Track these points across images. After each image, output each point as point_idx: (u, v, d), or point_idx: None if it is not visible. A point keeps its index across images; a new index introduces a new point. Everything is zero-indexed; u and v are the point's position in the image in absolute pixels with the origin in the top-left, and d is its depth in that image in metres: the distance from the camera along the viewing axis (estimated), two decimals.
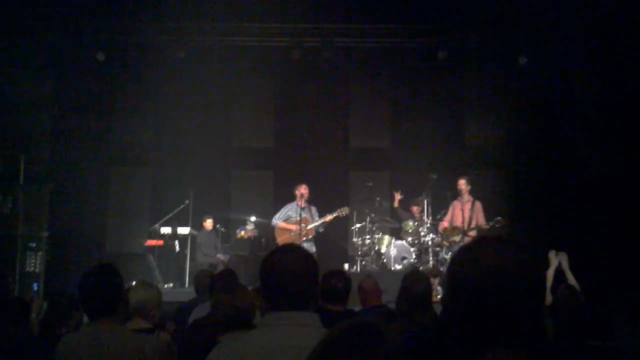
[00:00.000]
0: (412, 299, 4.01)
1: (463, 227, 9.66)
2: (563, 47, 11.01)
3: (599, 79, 11.00)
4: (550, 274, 5.40)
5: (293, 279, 2.21)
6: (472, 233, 9.48)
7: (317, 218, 9.97)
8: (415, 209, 10.81)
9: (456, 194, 10.03)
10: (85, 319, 3.78)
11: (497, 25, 10.96)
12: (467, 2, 10.49)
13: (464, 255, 1.58)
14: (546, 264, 5.54)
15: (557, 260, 5.62)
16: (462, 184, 9.89)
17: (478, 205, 9.84)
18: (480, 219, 9.74)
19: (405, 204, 10.90)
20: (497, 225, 9.38)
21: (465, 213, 9.74)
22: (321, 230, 10.05)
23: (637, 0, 9.49)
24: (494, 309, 1.46)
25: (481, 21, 10.87)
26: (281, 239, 9.92)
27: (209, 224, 11.20)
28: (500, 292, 1.46)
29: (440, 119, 11.88)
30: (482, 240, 1.62)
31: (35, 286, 9.61)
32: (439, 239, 10.11)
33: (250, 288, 4.05)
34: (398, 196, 10.82)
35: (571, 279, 5.49)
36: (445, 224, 10.06)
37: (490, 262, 1.50)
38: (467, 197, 9.89)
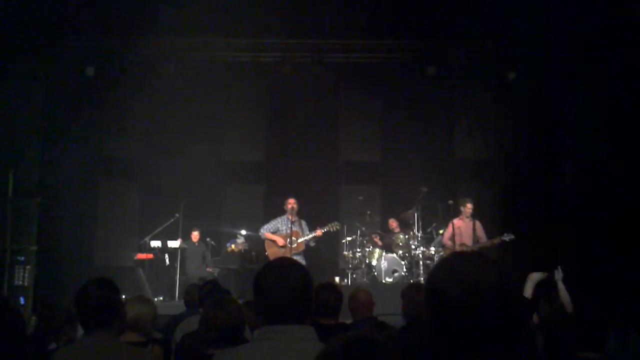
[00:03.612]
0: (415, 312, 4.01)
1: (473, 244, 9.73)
2: (550, 62, 11.12)
3: (586, 92, 11.09)
4: (528, 291, 5.35)
5: (289, 293, 2.21)
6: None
7: (307, 232, 9.97)
8: (392, 222, 10.86)
9: (455, 212, 10.08)
10: (79, 333, 3.77)
11: (485, 40, 11.06)
12: (456, 18, 10.58)
13: (444, 270, 1.61)
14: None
15: (539, 277, 5.50)
16: (470, 207, 9.95)
17: (478, 224, 9.97)
18: (482, 235, 9.87)
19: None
20: (507, 240, 9.37)
21: (477, 232, 9.84)
22: (312, 244, 10.04)
23: (624, 17, 9.60)
24: (475, 320, 1.51)
25: (469, 36, 10.95)
26: (271, 251, 9.90)
27: (195, 236, 11.21)
28: (482, 305, 1.51)
29: (429, 133, 11.94)
30: (461, 255, 1.67)
31: (22, 300, 9.52)
32: (431, 251, 10.14)
33: (240, 301, 4.05)
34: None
35: (563, 295, 5.44)
36: (447, 241, 10.01)
37: (472, 277, 1.54)
38: (469, 217, 9.99)
